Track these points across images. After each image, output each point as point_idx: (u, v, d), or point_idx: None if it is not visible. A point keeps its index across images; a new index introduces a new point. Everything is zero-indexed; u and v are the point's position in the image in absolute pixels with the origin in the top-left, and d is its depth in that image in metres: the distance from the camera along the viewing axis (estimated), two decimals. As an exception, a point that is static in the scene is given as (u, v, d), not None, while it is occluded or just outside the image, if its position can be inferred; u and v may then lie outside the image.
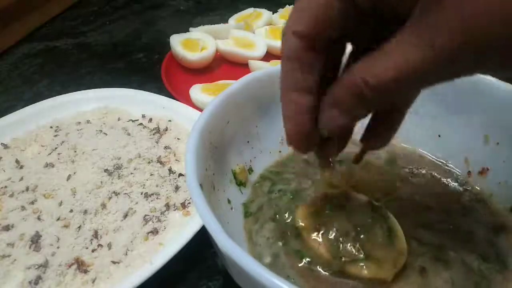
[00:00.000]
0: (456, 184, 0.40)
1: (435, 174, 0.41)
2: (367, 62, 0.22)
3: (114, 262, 0.40)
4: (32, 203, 0.46)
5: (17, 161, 0.52)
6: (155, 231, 0.44)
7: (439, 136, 0.42)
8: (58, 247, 0.42)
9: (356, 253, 0.30)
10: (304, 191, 0.39)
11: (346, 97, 0.23)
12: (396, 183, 0.40)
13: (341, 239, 0.31)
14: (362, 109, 0.24)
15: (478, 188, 0.40)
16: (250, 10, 0.90)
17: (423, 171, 0.41)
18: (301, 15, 0.24)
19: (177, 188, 0.49)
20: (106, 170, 0.50)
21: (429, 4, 0.19)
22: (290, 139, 0.28)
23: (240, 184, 0.38)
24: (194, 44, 0.75)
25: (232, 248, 0.24)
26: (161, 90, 0.67)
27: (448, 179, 0.41)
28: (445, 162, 0.42)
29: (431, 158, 0.43)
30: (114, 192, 0.48)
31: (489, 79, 0.38)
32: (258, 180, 0.40)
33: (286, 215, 0.36)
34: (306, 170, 0.41)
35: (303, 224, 0.33)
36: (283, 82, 0.26)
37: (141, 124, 0.59)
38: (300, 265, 0.32)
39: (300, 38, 0.24)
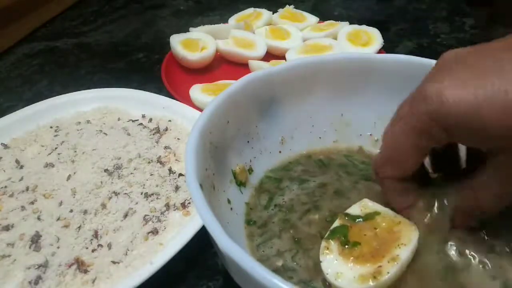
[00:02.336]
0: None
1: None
2: (470, 197, 0.29)
3: (114, 262, 0.40)
4: (32, 203, 0.46)
5: (17, 161, 0.52)
6: (155, 231, 0.44)
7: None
8: (58, 247, 0.42)
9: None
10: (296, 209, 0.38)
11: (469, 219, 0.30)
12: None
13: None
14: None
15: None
16: (250, 10, 0.90)
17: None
18: (392, 165, 0.30)
19: (177, 188, 0.49)
20: (106, 170, 0.50)
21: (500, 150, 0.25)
22: None
23: (240, 184, 0.38)
24: (194, 44, 0.75)
25: (232, 248, 0.24)
26: (161, 90, 0.67)
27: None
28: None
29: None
30: (114, 192, 0.48)
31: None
32: (259, 184, 0.40)
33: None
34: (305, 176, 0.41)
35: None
36: (391, 202, 0.32)
37: (141, 124, 0.59)
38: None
39: (392, 179, 0.31)
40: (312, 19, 0.88)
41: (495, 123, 0.23)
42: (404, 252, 0.29)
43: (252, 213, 0.37)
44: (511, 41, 0.25)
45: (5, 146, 0.54)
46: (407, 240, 0.30)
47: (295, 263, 0.33)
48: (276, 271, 0.32)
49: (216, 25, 0.83)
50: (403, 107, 0.28)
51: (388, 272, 0.28)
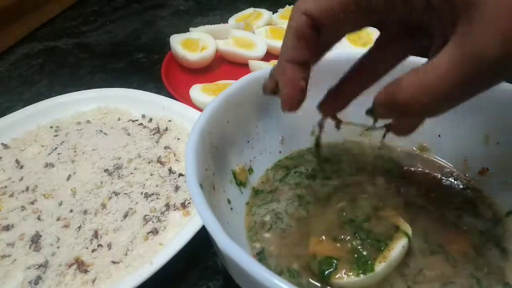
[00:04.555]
0: (456, 183, 0.40)
1: (436, 174, 0.41)
2: (417, 77, 0.22)
3: (114, 262, 0.40)
4: (32, 203, 0.46)
5: (17, 161, 0.52)
6: (155, 231, 0.43)
7: (439, 136, 0.42)
8: (58, 247, 0.42)
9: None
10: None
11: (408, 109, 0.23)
12: (397, 184, 0.40)
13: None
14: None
15: (478, 188, 0.39)
16: (250, 10, 0.90)
17: (424, 171, 0.41)
18: None
19: (177, 188, 0.49)
20: (106, 170, 0.50)
21: (469, 15, 0.20)
22: (284, 102, 0.29)
23: (240, 184, 0.38)
24: (194, 44, 0.75)
25: (232, 248, 0.24)
26: (161, 90, 0.67)
27: (448, 179, 0.41)
28: (445, 162, 0.42)
29: (431, 158, 0.43)
30: (114, 192, 0.48)
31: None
32: (275, 163, 0.42)
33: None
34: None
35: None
36: (282, 49, 0.27)
37: (141, 124, 0.59)
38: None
39: (309, 18, 0.25)
40: (312, 19, 0.88)
41: None
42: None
43: (262, 186, 0.40)
44: None
45: (5, 146, 0.54)
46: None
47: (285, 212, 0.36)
48: (263, 223, 0.36)
49: (216, 25, 0.83)
50: None
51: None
